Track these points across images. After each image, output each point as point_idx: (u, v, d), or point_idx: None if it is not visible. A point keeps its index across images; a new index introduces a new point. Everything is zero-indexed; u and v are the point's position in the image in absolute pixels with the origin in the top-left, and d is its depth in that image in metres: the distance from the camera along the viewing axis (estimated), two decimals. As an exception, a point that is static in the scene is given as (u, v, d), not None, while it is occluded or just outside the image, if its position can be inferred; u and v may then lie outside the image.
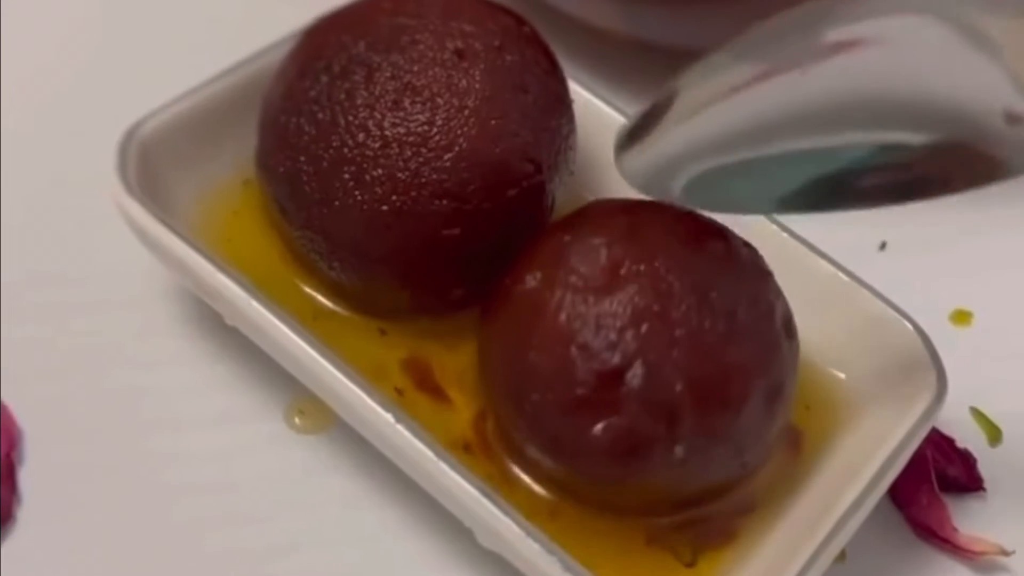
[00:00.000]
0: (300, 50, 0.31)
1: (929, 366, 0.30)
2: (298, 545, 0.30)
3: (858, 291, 0.31)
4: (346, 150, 0.29)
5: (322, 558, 0.30)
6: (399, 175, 0.29)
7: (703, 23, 0.37)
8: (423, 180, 0.29)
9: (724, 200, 0.27)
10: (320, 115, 0.30)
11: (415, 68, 0.30)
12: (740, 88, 0.26)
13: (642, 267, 0.27)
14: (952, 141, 0.25)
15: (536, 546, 0.26)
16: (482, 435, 0.30)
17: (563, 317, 0.27)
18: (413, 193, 0.29)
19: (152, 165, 0.31)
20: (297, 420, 0.32)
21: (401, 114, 0.29)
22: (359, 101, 0.29)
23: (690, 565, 0.28)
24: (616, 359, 0.26)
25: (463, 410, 0.30)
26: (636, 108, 0.35)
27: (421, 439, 0.27)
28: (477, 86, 0.29)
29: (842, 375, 0.31)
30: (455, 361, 0.31)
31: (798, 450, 0.30)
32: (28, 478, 0.30)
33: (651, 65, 0.40)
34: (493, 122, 0.29)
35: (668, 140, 0.27)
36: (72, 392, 0.32)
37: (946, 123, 0.24)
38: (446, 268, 0.30)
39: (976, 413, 0.33)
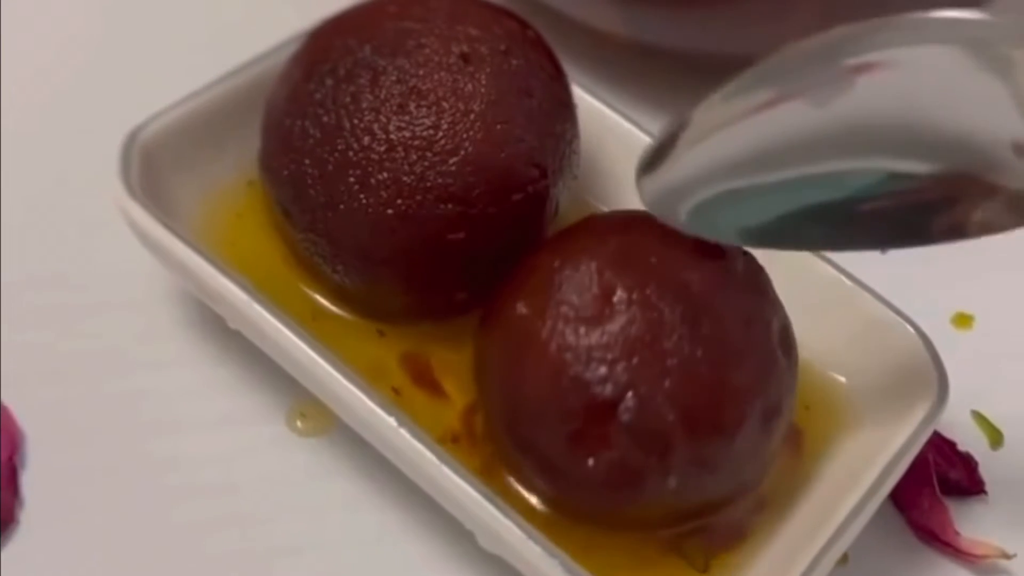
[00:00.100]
0: (305, 53, 0.31)
1: (931, 369, 0.30)
2: (300, 548, 0.30)
3: (859, 294, 0.31)
4: (351, 153, 0.29)
5: (324, 560, 0.30)
6: (404, 179, 0.29)
7: (705, 27, 0.37)
8: (428, 184, 0.29)
9: (725, 228, 0.27)
10: (325, 118, 0.30)
11: (420, 72, 0.30)
12: (749, 113, 0.26)
13: (634, 295, 0.27)
14: (959, 171, 0.25)
15: (538, 548, 0.26)
16: (470, 427, 0.30)
17: (554, 347, 0.27)
18: (418, 197, 0.29)
19: (155, 168, 0.31)
20: (299, 423, 0.32)
21: (406, 118, 0.29)
22: (364, 104, 0.29)
23: (704, 571, 0.28)
24: (608, 391, 0.26)
25: (457, 403, 0.30)
26: (638, 112, 0.35)
27: (423, 442, 0.27)
28: (483, 90, 0.29)
29: (843, 379, 0.31)
30: (455, 359, 0.31)
31: (799, 449, 0.30)
32: (30, 481, 0.30)
33: (653, 69, 0.40)
34: (499, 126, 0.29)
35: (679, 164, 0.27)
36: (74, 395, 0.32)
37: (953, 152, 0.25)
38: (450, 272, 0.30)
39: (977, 416, 0.33)
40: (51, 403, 0.31)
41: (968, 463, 0.32)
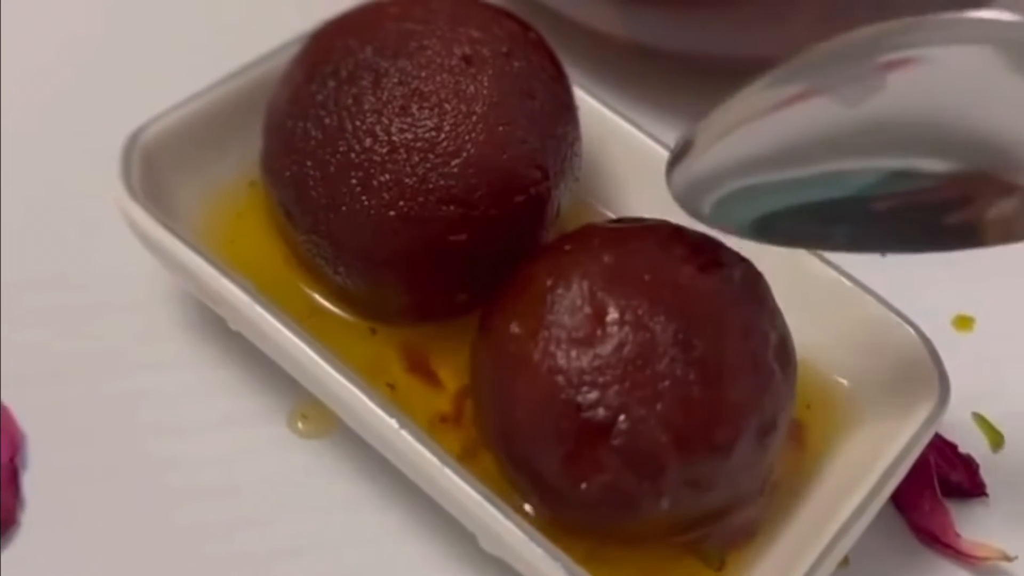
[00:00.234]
0: (307, 54, 0.31)
1: (932, 371, 0.30)
2: (301, 549, 0.30)
3: (861, 296, 0.31)
4: (353, 155, 0.29)
5: (324, 562, 0.30)
6: (406, 181, 0.29)
7: (706, 29, 0.37)
8: (430, 186, 0.29)
9: (745, 223, 0.27)
10: (327, 120, 0.30)
11: (423, 74, 0.30)
12: (777, 108, 0.26)
13: (626, 316, 0.26)
14: (979, 170, 0.25)
15: (539, 550, 0.26)
16: (459, 409, 0.30)
17: (546, 370, 0.27)
18: (420, 199, 0.29)
19: (156, 169, 0.31)
20: (300, 424, 0.32)
21: (408, 119, 0.29)
22: (366, 106, 0.29)
23: (720, 569, 0.28)
24: (600, 415, 0.26)
25: (449, 387, 0.30)
26: (638, 113, 0.35)
27: (425, 444, 0.27)
28: (485, 92, 0.29)
29: (845, 381, 0.31)
30: (453, 355, 0.31)
31: (802, 444, 0.30)
32: (31, 482, 0.30)
33: (654, 71, 0.40)
34: (501, 128, 0.29)
35: (707, 157, 0.26)
36: (75, 396, 0.32)
37: (976, 151, 0.25)
38: (452, 273, 0.30)
39: (978, 418, 0.33)
40: (52, 404, 0.31)
41: (969, 465, 0.32)
